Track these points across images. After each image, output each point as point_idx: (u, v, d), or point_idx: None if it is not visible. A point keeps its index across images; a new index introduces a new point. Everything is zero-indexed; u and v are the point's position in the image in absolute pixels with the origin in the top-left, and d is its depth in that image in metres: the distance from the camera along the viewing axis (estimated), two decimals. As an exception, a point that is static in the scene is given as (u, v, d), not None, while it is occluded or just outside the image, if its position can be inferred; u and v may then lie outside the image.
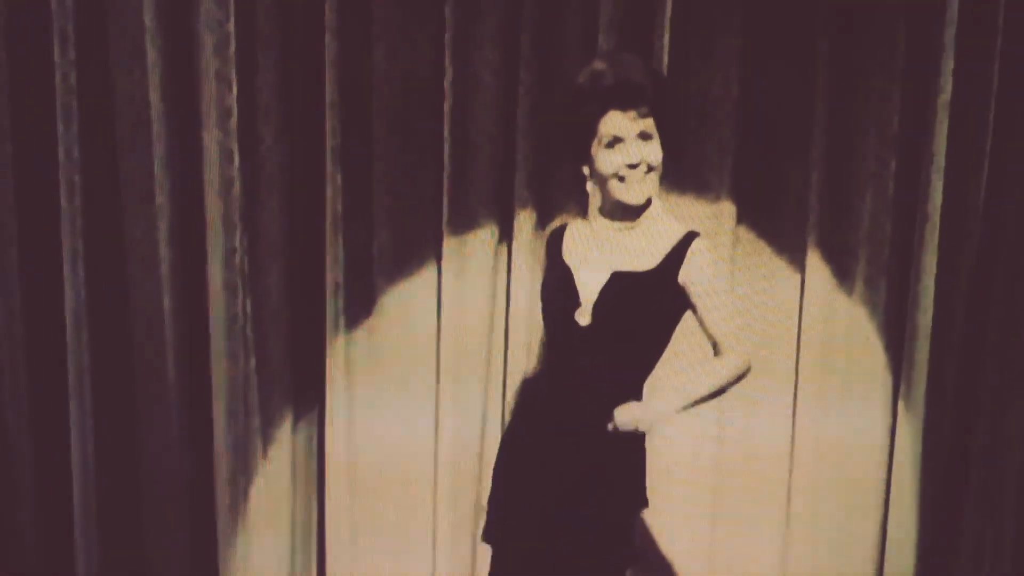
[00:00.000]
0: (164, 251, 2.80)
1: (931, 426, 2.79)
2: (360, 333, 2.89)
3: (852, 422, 2.84)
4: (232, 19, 2.66)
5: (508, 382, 2.85)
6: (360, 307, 2.87)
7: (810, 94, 2.68)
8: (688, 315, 2.13)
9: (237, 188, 2.73)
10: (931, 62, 2.62)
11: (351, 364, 2.89)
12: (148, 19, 2.68)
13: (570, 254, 2.19)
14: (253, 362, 2.84)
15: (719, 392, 2.12)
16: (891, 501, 2.84)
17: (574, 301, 2.09)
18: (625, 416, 2.06)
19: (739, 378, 2.12)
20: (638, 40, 2.65)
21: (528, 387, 2.31)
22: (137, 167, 2.79)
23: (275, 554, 2.95)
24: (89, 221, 2.80)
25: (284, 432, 2.92)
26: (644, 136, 2.03)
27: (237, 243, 2.76)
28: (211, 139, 2.71)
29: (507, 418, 2.84)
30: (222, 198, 2.73)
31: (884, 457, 2.84)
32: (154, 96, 2.71)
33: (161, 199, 2.77)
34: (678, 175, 2.72)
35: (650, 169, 2.05)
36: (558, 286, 2.15)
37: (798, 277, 2.79)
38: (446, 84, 2.71)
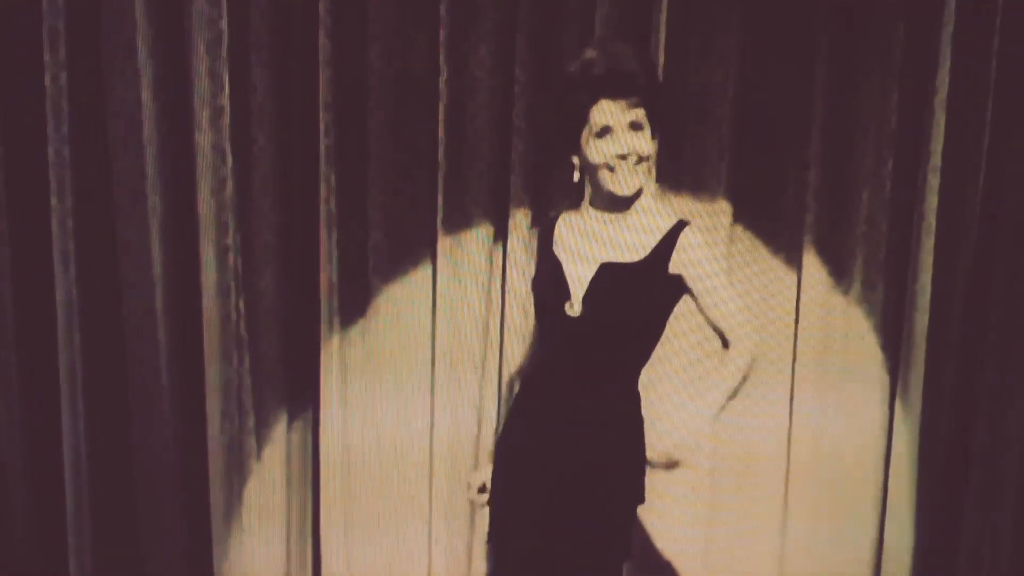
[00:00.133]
0: (156, 251, 2.78)
1: (928, 426, 2.79)
2: (355, 333, 2.88)
3: (849, 422, 2.83)
4: (225, 17, 2.65)
5: (504, 382, 2.84)
6: (354, 307, 2.86)
7: (808, 92, 2.68)
8: (689, 312, 2.12)
9: (230, 188, 2.72)
10: (929, 61, 2.62)
11: (345, 364, 2.88)
12: (140, 17, 2.66)
13: (561, 246, 2.17)
14: (247, 362, 2.83)
15: (740, 386, 2.09)
16: (888, 501, 2.84)
17: (564, 293, 2.08)
18: (679, 454, 2.03)
19: (753, 364, 2.08)
20: (634, 38, 2.63)
21: (522, 383, 2.29)
22: (129, 167, 2.77)
23: (270, 554, 2.94)
24: (80, 221, 2.78)
25: (278, 432, 2.91)
26: (634, 126, 2.01)
27: (230, 243, 2.75)
28: (204, 138, 2.69)
29: (503, 417, 2.83)
30: (215, 198, 2.72)
31: (881, 457, 2.84)
32: (146, 95, 2.69)
33: (153, 199, 2.75)
34: (675, 173, 2.71)
35: (640, 159, 2.03)
36: (548, 279, 2.14)
37: (795, 276, 2.78)
38: (441, 83, 2.70)
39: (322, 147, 2.72)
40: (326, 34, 2.67)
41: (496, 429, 2.85)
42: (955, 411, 2.81)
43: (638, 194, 2.08)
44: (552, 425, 2.10)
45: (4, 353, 2.88)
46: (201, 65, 2.66)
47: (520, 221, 2.76)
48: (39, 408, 2.92)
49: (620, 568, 2.15)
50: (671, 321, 2.13)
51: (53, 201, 2.76)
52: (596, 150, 2.02)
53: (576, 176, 2.11)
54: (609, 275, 2.05)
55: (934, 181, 2.65)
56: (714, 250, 2.17)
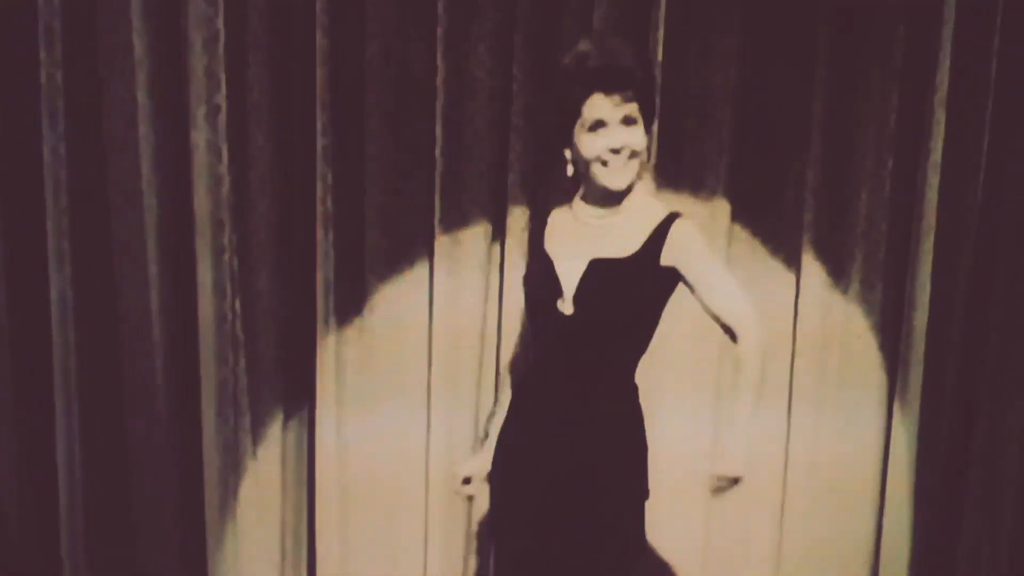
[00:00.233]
0: (152, 250, 2.77)
1: (928, 426, 2.79)
2: (351, 332, 2.87)
3: (847, 422, 2.83)
4: (221, 15, 2.63)
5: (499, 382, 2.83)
6: (351, 306, 2.85)
7: (807, 92, 2.68)
8: (689, 307, 2.11)
9: (226, 187, 2.71)
10: (928, 60, 2.62)
11: (342, 364, 2.87)
12: (136, 15, 2.64)
13: (552, 243, 2.17)
14: (243, 362, 2.81)
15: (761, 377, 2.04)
16: (886, 502, 2.83)
17: (556, 291, 2.07)
18: (732, 471, 1.99)
19: (765, 349, 2.02)
20: (633, 37, 2.62)
21: (518, 383, 2.29)
22: (125, 165, 2.76)
23: (265, 555, 2.93)
24: (76, 220, 2.77)
25: (274, 432, 2.90)
26: (628, 121, 2.00)
27: (226, 242, 2.74)
28: (200, 137, 2.68)
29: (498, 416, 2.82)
30: (211, 197, 2.71)
31: (879, 457, 2.84)
32: (142, 94, 2.68)
33: (149, 198, 2.74)
34: (675, 173, 2.70)
35: (633, 154, 2.02)
36: (540, 276, 2.13)
37: (794, 276, 2.78)
38: (439, 82, 2.69)
39: (319, 146, 2.71)
40: (323, 33, 2.65)
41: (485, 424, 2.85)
42: (954, 411, 2.81)
43: (630, 188, 2.08)
44: (551, 424, 2.09)
45: (-1, 352, 2.87)
46: (198, 63, 2.64)
47: (518, 220, 2.75)
48: (33, 408, 2.90)
49: (632, 564, 2.14)
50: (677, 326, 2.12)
51: (48, 200, 2.75)
52: (589, 144, 2.01)
53: (569, 170, 2.10)
54: (599, 271, 2.04)
55: (934, 180, 2.65)
56: (707, 239, 2.13)
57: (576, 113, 2.00)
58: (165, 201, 2.75)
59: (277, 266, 2.81)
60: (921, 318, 2.70)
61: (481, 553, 2.96)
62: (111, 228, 2.82)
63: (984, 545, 2.85)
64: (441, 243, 2.78)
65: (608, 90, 1.97)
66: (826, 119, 2.68)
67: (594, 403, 2.06)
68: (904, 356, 2.74)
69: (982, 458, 2.81)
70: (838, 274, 2.76)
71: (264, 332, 2.83)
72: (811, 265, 2.74)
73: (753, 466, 2.02)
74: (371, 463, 2.92)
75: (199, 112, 2.67)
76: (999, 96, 2.65)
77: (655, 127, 2.63)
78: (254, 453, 2.88)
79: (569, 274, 2.07)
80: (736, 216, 2.75)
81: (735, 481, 1.98)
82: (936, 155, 2.64)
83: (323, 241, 2.76)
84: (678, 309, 2.14)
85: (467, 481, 2.31)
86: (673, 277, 2.04)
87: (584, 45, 2.02)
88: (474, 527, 2.95)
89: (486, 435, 2.40)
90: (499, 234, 2.80)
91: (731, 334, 2.01)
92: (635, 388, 2.13)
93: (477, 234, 2.80)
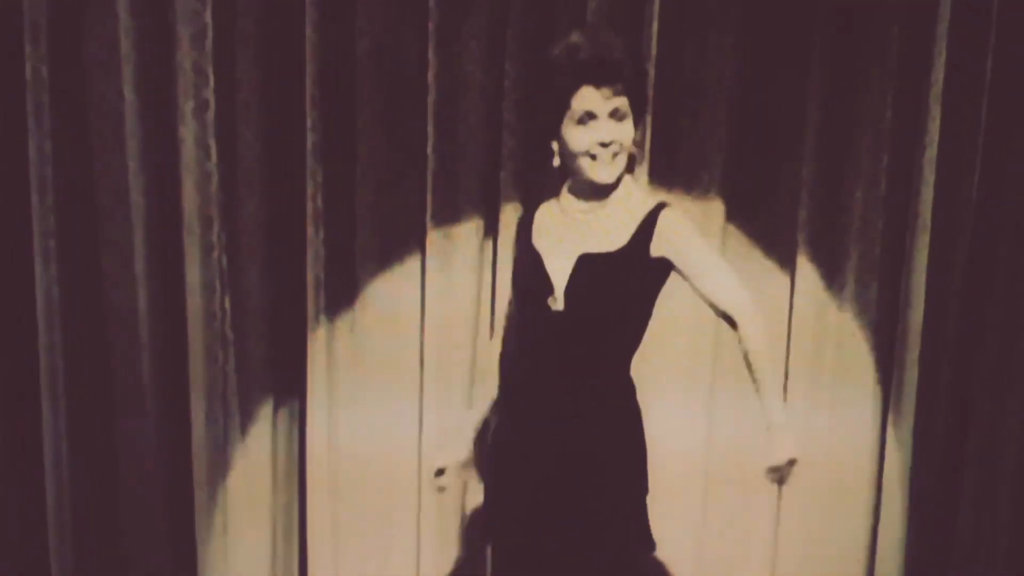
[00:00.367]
0: (140, 248, 2.74)
1: (923, 425, 2.79)
2: (342, 330, 2.85)
3: (843, 420, 2.83)
4: (209, 10, 2.60)
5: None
6: (342, 304, 2.83)
7: (802, 88, 2.67)
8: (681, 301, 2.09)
9: (215, 184, 2.68)
10: (924, 56, 2.61)
11: (332, 362, 2.85)
12: (122, 10, 2.61)
13: (540, 239, 2.15)
14: (232, 361, 2.79)
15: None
16: (882, 501, 2.84)
17: (547, 287, 2.06)
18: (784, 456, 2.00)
19: (766, 331, 2.03)
20: (626, 33, 2.60)
21: (510, 381, 2.27)
22: (112, 162, 2.73)
23: (256, 554, 2.91)
24: (62, 218, 2.73)
25: (264, 431, 2.87)
26: (617, 115, 1.99)
27: (215, 239, 2.72)
28: (188, 133, 2.65)
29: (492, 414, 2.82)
30: (199, 194, 2.68)
31: (875, 456, 2.84)
32: (129, 89, 2.65)
33: (136, 195, 2.71)
34: (669, 169, 2.70)
35: (621, 149, 2.01)
36: (529, 273, 2.11)
37: (788, 274, 2.78)
38: (430, 78, 2.67)
39: (309, 142, 2.69)
40: (313, 28, 2.63)
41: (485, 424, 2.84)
42: (950, 409, 2.81)
43: (618, 182, 2.06)
44: (546, 421, 2.08)
45: (-16, 352, 2.84)
46: (185, 58, 2.62)
47: (510, 216, 2.72)
48: (20, 408, 2.87)
49: (634, 561, 2.14)
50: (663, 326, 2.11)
51: (34, 197, 2.71)
52: (577, 137, 2.00)
53: (556, 161, 2.08)
54: (589, 266, 2.03)
55: (929, 177, 2.65)
56: (696, 227, 2.12)
57: (565, 105, 1.99)
58: (153, 198, 2.72)
59: (267, 264, 2.79)
60: (916, 316, 2.71)
61: (474, 551, 2.94)
62: (98, 226, 2.79)
63: (980, 544, 2.85)
64: (433, 240, 2.77)
65: (598, 83, 1.96)
66: (821, 116, 2.68)
67: (589, 399, 2.05)
68: (899, 354, 2.75)
69: (978, 457, 2.82)
70: (833, 272, 2.76)
71: (254, 331, 2.81)
72: (806, 263, 2.74)
73: (802, 443, 2.01)
74: (363, 461, 2.91)
75: (187, 108, 2.64)
76: (995, 93, 2.65)
77: (649, 123, 2.62)
78: (244, 452, 2.85)
79: (559, 270, 2.06)
80: (731, 213, 2.75)
81: (793, 463, 2.00)
82: (932, 152, 2.64)
83: (313, 239, 2.74)
84: (675, 304, 2.12)
85: (440, 472, 2.30)
86: (664, 268, 2.04)
87: (575, 37, 2.00)
88: (467, 526, 2.94)
89: (475, 431, 2.39)
90: (491, 231, 2.79)
91: (729, 320, 2.01)
92: (632, 384, 2.12)
93: (469, 231, 2.79)
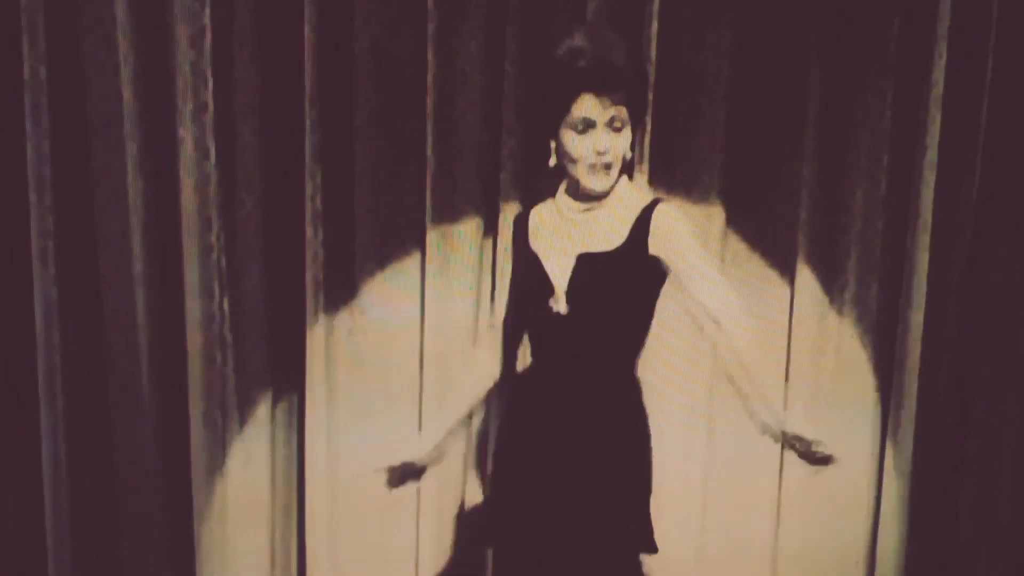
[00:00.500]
0: (138, 250, 2.73)
1: (923, 427, 2.78)
2: (340, 331, 2.84)
3: (843, 421, 2.81)
4: (208, 10, 2.59)
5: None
6: (341, 306, 2.82)
7: (802, 89, 2.67)
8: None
9: (213, 185, 2.67)
10: (924, 57, 2.61)
11: (332, 364, 2.84)
12: (120, 10, 2.60)
13: (537, 241, 2.14)
14: (231, 362, 2.78)
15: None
16: (882, 503, 2.83)
17: (547, 290, 2.05)
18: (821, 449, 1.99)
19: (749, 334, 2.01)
20: (625, 33, 2.58)
21: (516, 386, 2.27)
22: (110, 163, 2.72)
23: (254, 556, 2.90)
24: (60, 219, 2.72)
25: (263, 434, 2.86)
26: (615, 124, 1.98)
27: (214, 241, 2.71)
28: (186, 134, 2.64)
29: (492, 416, 2.81)
30: (198, 195, 2.67)
31: (875, 458, 2.83)
32: (127, 90, 2.64)
33: (135, 196, 2.70)
34: (668, 170, 2.69)
35: (616, 159, 2.01)
36: (529, 276, 2.11)
37: (789, 275, 2.77)
38: (429, 79, 2.66)
39: (308, 143, 2.68)
40: (311, 28, 2.62)
41: (485, 426, 2.83)
42: (950, 411, 2.81)
43: (613, 187, 2.05)
44: (553, 423, 2.07)
45: (-19, 354, 2.83)
46: (184, 59, 2.61)
47: (510, 217, 2.71)
48: (18, 410, 2.86)
49: (636, 561, 2.14)
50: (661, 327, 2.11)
51: (32, 198, 2.70)
52: (574, 144, 1.99)
53: (553, 160, 2.07)
54: (588, 266, 2.02)
55: (930, 178, 2.65)
56: (691, 224, 2.11)
57: (564, 109, 1.98)
58: (151, 199, 2.72)
59: (266, 266, 2.78)
60: (917, 317, 2.70)
61: (474, 552, 2.93)
62: (96, 227, 2.78)
63: (980, 545, 2.85)
64: (432, 241, 2.76)
65: (598, 92, 1.95)
66: (821, 116, 2.67)
67: (597, 400, 2.05)
68: (900, 355, 2.74)
69: (978, 457, 2.81)
70: (833, 272, 2.75)
71: (252, 333, 2.80)
72: (805, 264, 2.73)
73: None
74: (361, 465, 2.88)
75: (186, 109, 2.63)
76: (995, 94, 2.64)
77: (649, 124, 2.62)
78: (243, 454, 2.85)
79: (558, 271, 2.05)
80: (730, 214, 2.74)
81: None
82: (932, 153, 2.63)
83: (312, 240, 2.73)
84: (675, 305, 2.12)
85: (395, 472, 2.28)
86: (664, 265, 2.03)
87: (578, 39, 1.98)
88: (467, 526, 2.93)
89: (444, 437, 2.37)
90: (491, 232, 2.78)
91: (712, 322, 1.99)
92: (639, 384, 2.12)
93: (469, 232, 2.78)
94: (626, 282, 2.02)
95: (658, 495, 2.79)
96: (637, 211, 2.04)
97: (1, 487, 2.91)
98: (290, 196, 2.75)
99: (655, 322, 2.13)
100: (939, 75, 2.60)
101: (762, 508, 2.88)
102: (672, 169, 2.71)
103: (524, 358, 2.71)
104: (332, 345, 2.83)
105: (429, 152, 2.70)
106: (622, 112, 1.98)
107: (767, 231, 2.76)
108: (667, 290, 2.10)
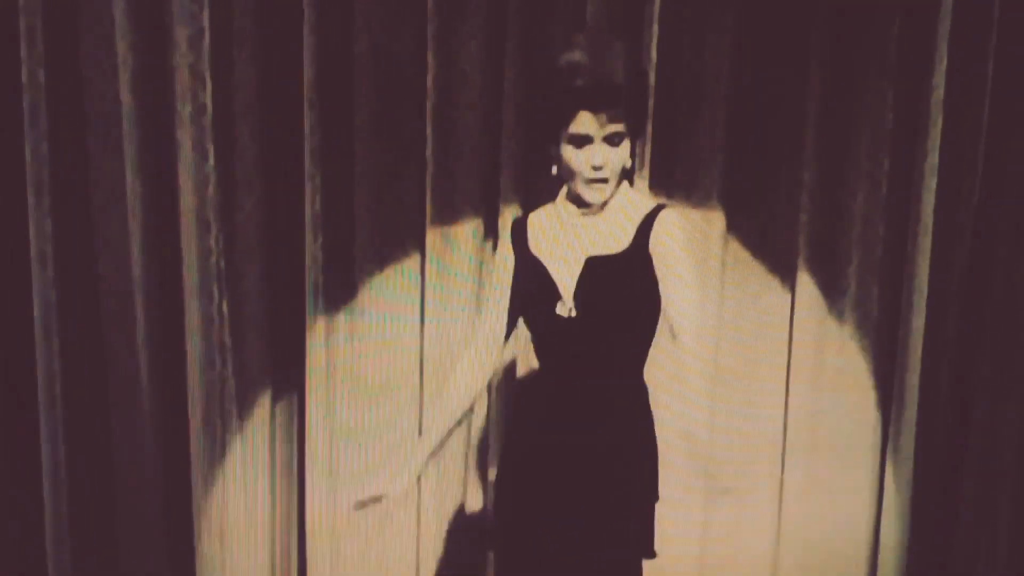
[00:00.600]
0: (136, 252, 2.73)
1: (924, 428, 2.78)
2: (341, 335, 2.83)
3: (844, 423, 2.82)
4: (207, 11, 2.59)
5: (494, 383, 2.81)
6: (341, 309, 2.81)
7: (803, 92, 2.66)
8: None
9: (212, 188, 2.67)
10: (925, 59, 2.61)
11: (331, 367, 2.84)
12: (118, 12, 2.60)
13: (539, 245, 2.13)
14: (230, 366, 2.78)
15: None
16: (884, 502, 2.83)
17: (553, 295, 2.04)
18: None
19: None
20: (626, 35, 2.59)
21: (521, 389, 2.26)
22: (108, 166, 2.72)
23: (254, 558, 2.90)
24: (58, 222, 2.72)
25: (262, 437, 2.86)
26: (613, 139, 1.98)
27: (213, 243, 2.70)
28: (185, 137, 2.64)
29: (493, 418, 2.82)
30: (197, 197, 2.67)
31: (876, 459, 2.84)
32: (125, 92, 2.63)
33: (133, 199, 2.70)
34: (668, 174, 2.69)
35: (614, 173, 2.00)
36: (533, 281, 2.10)
37: (790, 278, 2.77)
38: (429, 80, 2.66)
39: (307, 145, 2.67)
40: (311, 29, 2.62)
41: (486, 429, 2.84)
42: (951, 413, 2.81)
43: (611, 197, 2.06)
44: (563, 428, 2.06)
45: (-20, 358, 2.83)
46: (182, 61, 2.60)
47: (510, 219, 2.71)
48: (17, 413, 2.86)
49: (640, 567, 2.13)
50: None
51: (30, 200, 2.70)
52: (572, 157, 1.99)
53: (555, 169, 2.07)
54: (597, 269, 2.02)
55: (931, 181, 2.65)
56: (692, 234, 2.11)
57: (562, 123, 1.98)
58: (150, 201, 2.71)
59: (265, 268, 2.77)
60: (918, 320, 2.70)
61: (474, 553, 2.93)
62: (95, 229, 2.78)
63: (981, 545, 2.85)
64: (432, 244, 2.76)
65: (595, 110, 1.94)
66: (822, 119, 2.67)
67: (606, 404, 2.05)
68: (901, 357, 2.74)
69: (978, 459, 2.81)
70: (834, 275, 2.75)
71: (252, 335, 2.79)
72: (806, 266, 2.73)
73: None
74: (361, 466, 2.89)
75: (184, 111, 2.62)
76: (996, 97, 2.64)
77: (649, 127, 2.62)
78: (242, 456, 2.84)
79: (565, 276, 2.05)
80: (730, 217, 2.74)
81: None
82: (933, 156, 2.63)
83: (312, 242, 2.73)
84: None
85: (373, 500, 2.26)
86: None
87: (577, 54, 1.96)
88: (468, 527, 2.94)
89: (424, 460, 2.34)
90: (491, 233, 2.78)
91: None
92: (645, 388, 2.11)
93: (469, 234, 2.78)
94: (633, 284, 2.01)
95: (660, 496, 2.81)
96: (642, 215, 2.04)
97: (1, 490, 2.91)
98: (289, 198, 2.74)
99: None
100: (940, 78, 2.59)
101: (763, 508, 2.89)
102: (672, 172, 2.71)
103: (526, 360, 2.74)
104: (331, 347, 2.82)
105: (429, 153, 2.70)
106: (620, 128, 1.97)
107: (768, 234, 2.76)
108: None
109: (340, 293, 2.80)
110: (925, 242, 2.67)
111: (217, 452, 2.81)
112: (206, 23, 2.59)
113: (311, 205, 2.71)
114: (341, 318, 2.82)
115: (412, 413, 2.86)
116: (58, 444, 2.83)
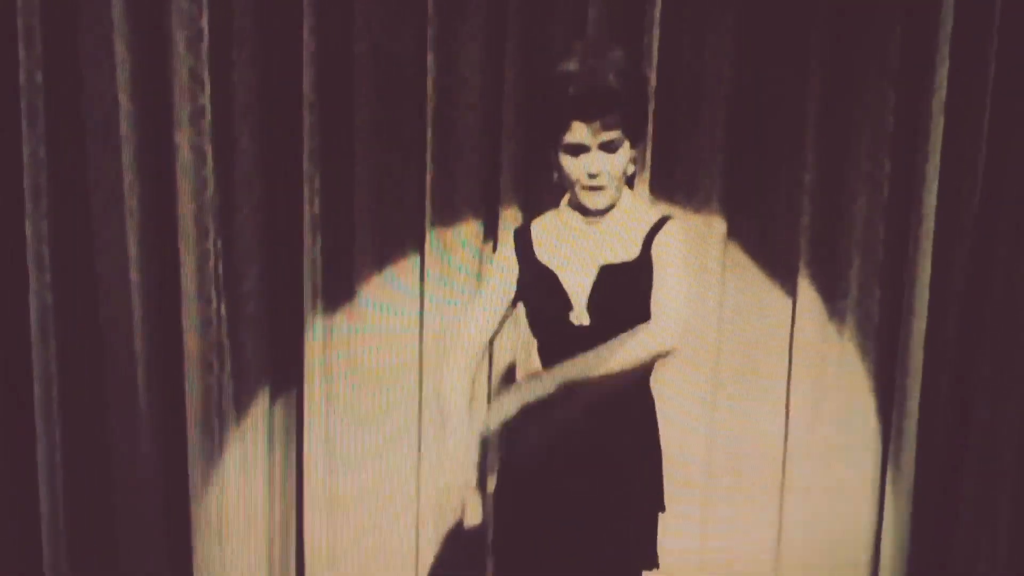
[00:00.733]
0: (135, 255, 2.72)
1: (925, 429, 2.78)
2: (339, 337, 2.83)
3: (845, 424, 2.82)
4: (205, 14, 2.58)
5: (493, 386, 2.81)
6: (339, 311, 2.81)
7: (804, 94, 2.66)
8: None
9: (211, 190, 2.66)
10: (927, 62, 2.60)
11: (330, 370, 2.83)
12: (117, 14, 2.59)
13: (545, 253, 2.11)
14: (228, 368, 2.77)
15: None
16: (885, 504, 2.83)
17: (565, 303, 2.03)
18: None
19: (652, 356, 1.98)
20: (626, 37, 2.59)
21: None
22: (106, 169, 2.72)
23: (253, 560, 2.89)
24: (56, 224, 2.71)
25: (260, 440, 2.86)
26: (609, 146, 1.96)
27: (211, 246, 2.69)
28: (183, 139, 2.63)
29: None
30: (195, 201, 2.66)
31: (878, 460, 2.84)
32: (124, 95, 2.62)
33: (131, 201, 2.69)
34: (668, 176, 2.69)
35: (611, 180, 1.99)
36: (543, 290, 2.08)
37: (791, 280, 2.77)
38: (429, 82, 2.65)
39: (306, 148, 2.67)
40: (310, 31, 2.61)
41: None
42: (952, 414, 2.81)
43: (613, 204, 2.04)
44: (572, 436, 2.05)
45: (-22, 361, 2.82)
46: (181, 64, 2.59)
47: (510, 222, 2.71)
48: (14, 415, 2.85)
49: (639, 573, 2.13)
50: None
51: (28, 203, 2.69)
52: (568, 165, 1.98)
53: (556, 176, 2.06)
54: (611, 277, 2.01)
55: (932, 184, 2.64)
56: (695, 245, 2.09)
57: (558, 132, 1.96)
58: (148, 205, 2.70)
59: (263, 271, 2.77)
60: (920, 323, 2.70)
61: (474, 554, 2.93)
62: (92, 232, 2.78)
63: (981, 547, 2.86)
64: (432, 246, 2.75)
65: (588, 118, 1.92)
66: (823, 122, 2.66)
67: (616, 413, 2.03)
68: (902, 360, 2.74)
69: (978, 459, 2.82)
70: (835, 278, 2.75)
71: (250, 337, 2.79)
72: (807, 269, 2.73)
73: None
74: (360, 472, 2.90)
75: (183, 113, 2.62)
76: (998, 99, 2.63)
77: (650, 130, 2.61)
78: (241, 459, 2.83)
79: (577, 284, 2.03)
80: (731, 220, 2.73)
81: None
82: (934, 158, 2.62)
83: (311, 245, 2.72)
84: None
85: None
86: None
87: (572, 64, 1.94)
88: (467, 528, 2.94)
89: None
90: (491, 236, 2.77)
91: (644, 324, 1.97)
92: (651, 397, 2.11)
93: (469, 236, 2.77)
94: (645, 293, 2.00)
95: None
96: (649, 224, 2.03)
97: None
98: (288, 200, 2.74)
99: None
100: (941, 80, 2.58)
101: (764, 509, 2.89)
102: (672, 172, 2.70)
103: (525, 366, 2.74)
104: (330, 349, 2.82)
105: (428, 155, 2.69)
106: (615, 135, 1.95)
107: (768, 236, 2.76)
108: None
109: (339, 295, 2.79)
110: (926, 245, 2.66)
111: (215, 453, 2.80)
112: (205, 25, 2.58)
113: (310, 207, 2.70)
114: (339, 320, 2.81)
115: (411, 413, 2.86)
116: (55, 447, 2.83)
